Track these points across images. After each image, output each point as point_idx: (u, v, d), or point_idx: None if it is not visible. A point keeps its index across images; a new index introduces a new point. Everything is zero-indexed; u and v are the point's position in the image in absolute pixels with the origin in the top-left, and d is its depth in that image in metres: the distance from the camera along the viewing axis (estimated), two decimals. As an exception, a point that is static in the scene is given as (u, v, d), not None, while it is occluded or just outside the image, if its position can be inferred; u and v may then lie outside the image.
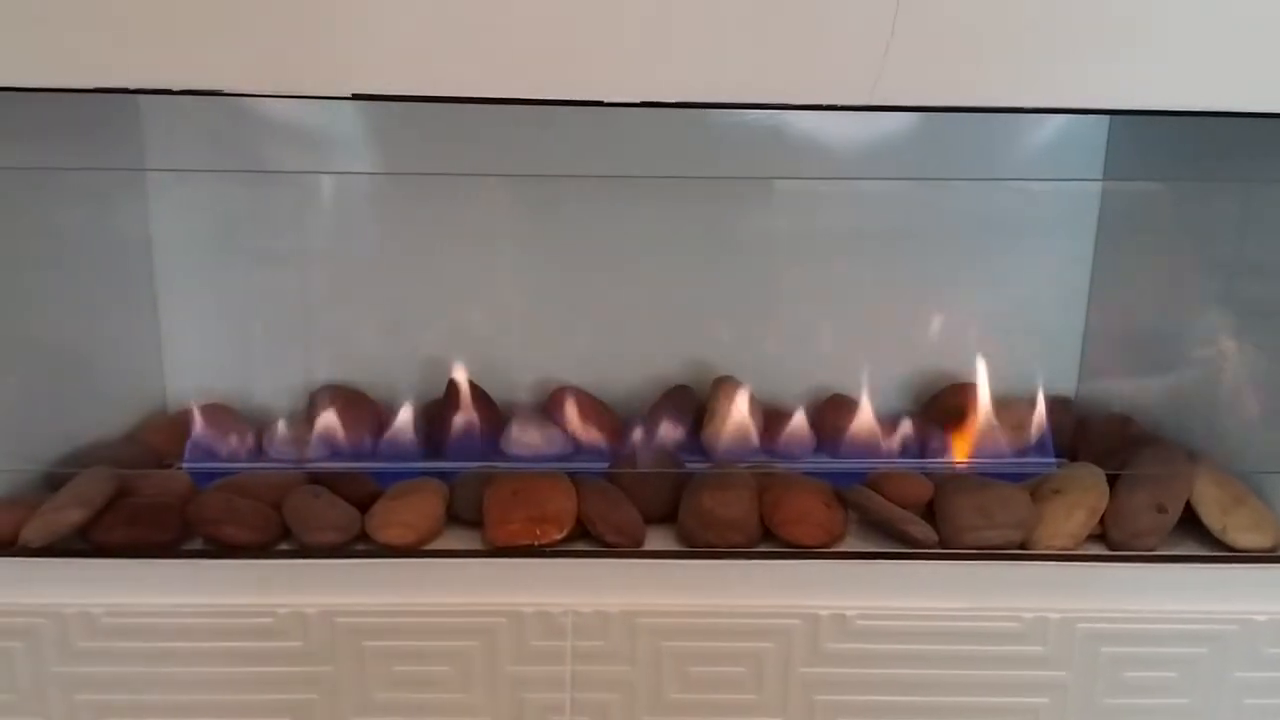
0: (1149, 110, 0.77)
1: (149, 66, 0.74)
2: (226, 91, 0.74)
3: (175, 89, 0.74)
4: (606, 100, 0.75)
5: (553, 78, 0.75)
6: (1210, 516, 0.90)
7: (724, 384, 1.07)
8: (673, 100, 0.75)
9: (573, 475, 0.94)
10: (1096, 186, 1.13)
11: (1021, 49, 0.75)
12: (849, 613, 0.84)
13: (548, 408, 1.06)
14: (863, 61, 0.75)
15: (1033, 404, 1.02)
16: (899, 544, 0.90)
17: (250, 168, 1.08)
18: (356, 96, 0.75)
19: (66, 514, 0.85)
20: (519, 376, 1.14)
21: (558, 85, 0.75)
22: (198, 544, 0.88)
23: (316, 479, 0.93)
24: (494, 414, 1.06)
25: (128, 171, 1.08)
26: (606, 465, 0.97)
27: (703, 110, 0.82)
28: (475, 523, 0.90)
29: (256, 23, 0.73)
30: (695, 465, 0.97)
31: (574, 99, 0.75)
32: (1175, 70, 0.76)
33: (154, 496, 0.90)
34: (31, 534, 0.84)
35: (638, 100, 0.75)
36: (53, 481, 0.92)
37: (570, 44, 0.74)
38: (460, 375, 1.07)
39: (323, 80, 0.75)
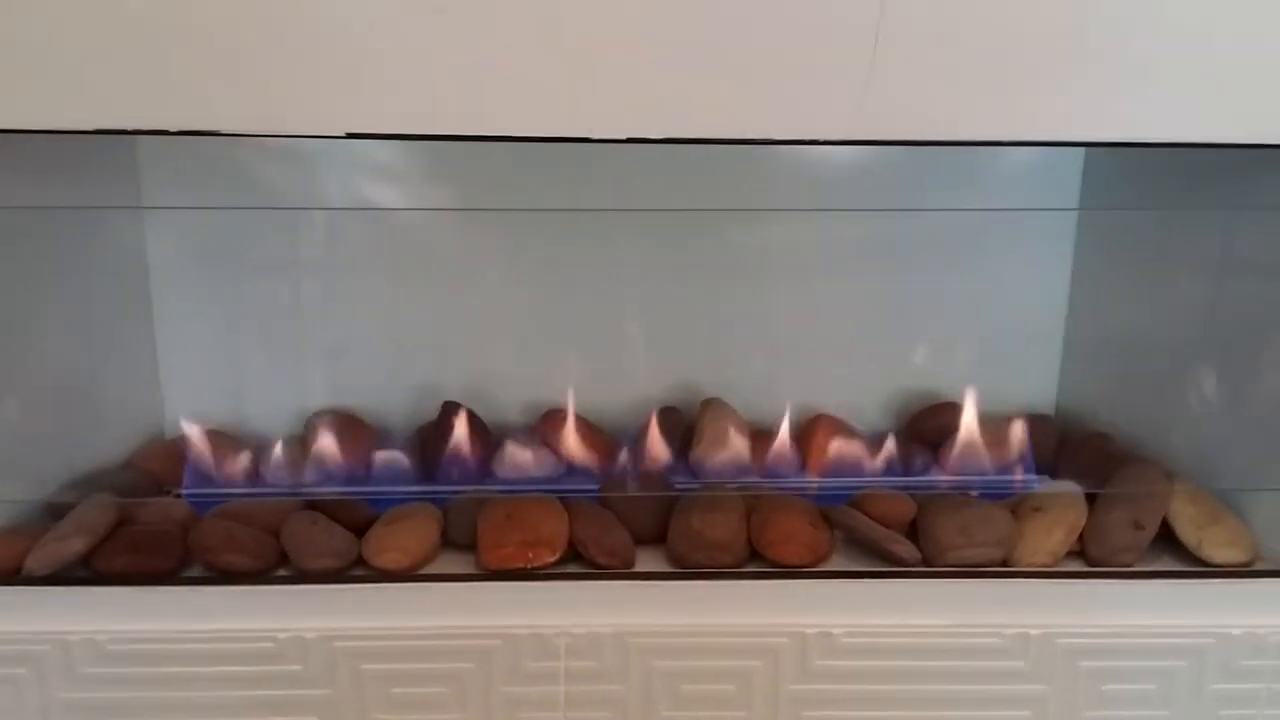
0: (1123, 143, 0.79)
1: (147, 107, 0.75)
2: (224, 132, 0.76)
3: (173, 130, 0.75)
4: (594, 137, 0.77)
5: (541, 115, 0.77)
6: (1186, 533, 0.92)
7: (711, 405, 1.09)
8: (658, 136, 0.77)
9: (564, 498, 0.95)
10: (1075, 190, 1.15)
11: (997, 84, 0.77)
12: (835, 630, 0.84)
13: (539, 429, 1.07)
14: (843, 97, 0.77)
15: (1013, 422, 1.04)
16: (883, 563, 0.91)
17: (246, 194, 1.10)
18: (351, 135, 0.76)
19: (70, 543, 0.86)
20: (511, 398, 1.16)
21: (546, 122, 0.77)
22: (198, 571, 0.89)
23: (313, 505, 0.94)
24: (487, 437, 1.07)
25: (125, 164, 1.09)
26: (597, 490, 0.98)
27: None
28: (469, 546, 0.92)
29: (252, 64, 0.75)
30: (682, 488, 0.99)
31: (563, 136, 0.77)
32: (1148, 104, 0.78)
33: (155, 524, 0.91)
34: (35, 563, 0.86)
35: (624, 136, 0.77)
36: (54, 510, 0.94)
37: (559, 83, 0.76)
38: (454, 399, 1.08)
39: (318, 119, 0.76)
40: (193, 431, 1.03)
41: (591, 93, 0.77)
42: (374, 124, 0.77)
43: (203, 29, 0.74)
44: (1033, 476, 1.02)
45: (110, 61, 0.74)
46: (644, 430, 1.08)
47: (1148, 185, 1.06)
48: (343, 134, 0.76)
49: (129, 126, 0.76)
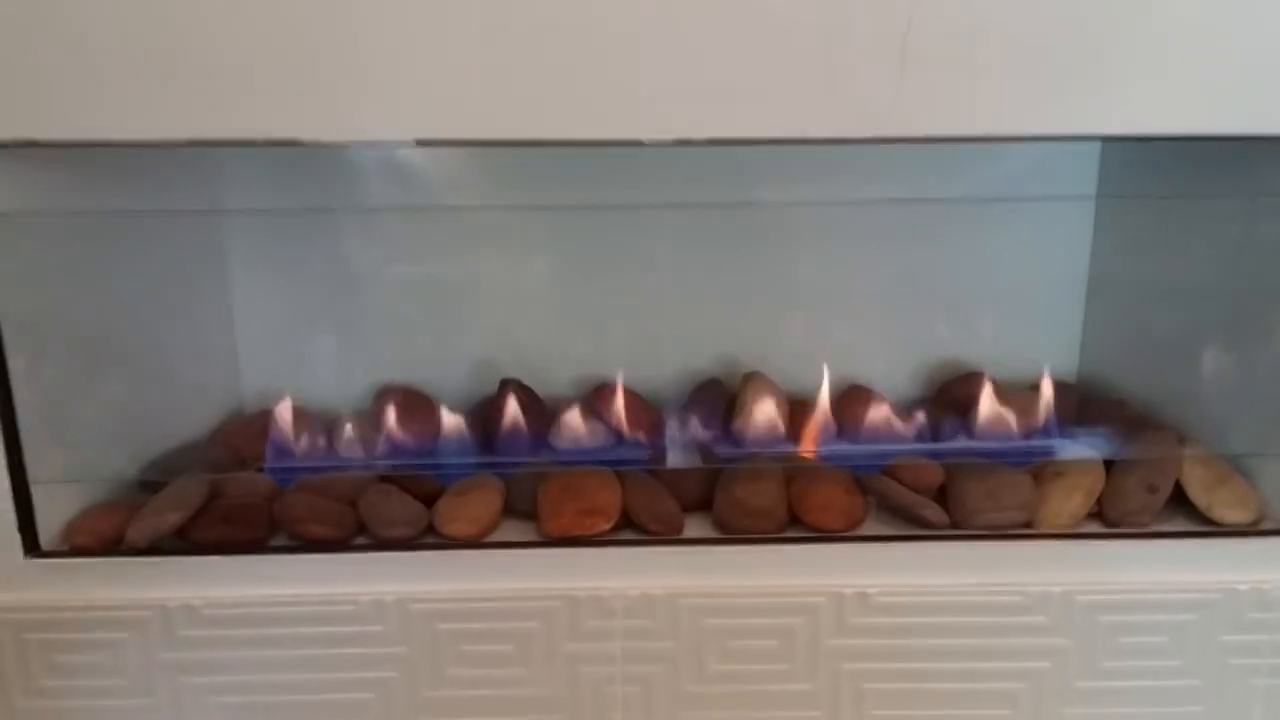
0: (1144, 136, 0.82)
1: (236, 119, 0.80)
2: (304, 141, 0.80)
3: (259, 140, 0.80)
4: (645, 139, 0.80)
5: (596, 120, 0.80)
6: (1197, 495, 0.95)
7: (752, 378, 1.11)
8: (702, 138, 0.80)
9: (616, 469, 0.98)
10: (1093, 171, 1.16)
11: (1024, 80, 0.80)
12: (870, 590, 0.89)
13: (592, 402, 1.09)
14: (876, 96, 0.80)
15: (1036, 391, 1.05)
16: (914, 527, 0.94)
17: (315, 186, 1.15)
18: (420, 142, 0.81)
19: (166, 517, 0.91)
20: (562, 374, 1.19)
21: (600, 127, 0.81)
22: (284, 540, 0.93)
23: (386, 477, 0.98)
24: (542, 411, 1.10)
25: (206, 186, 1.13)
26: (646, 462, 1.01)
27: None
28: (530, 515, 0.95)
29: (328, 80, 0.79)
30: (725, 460, 1.01)
31: (616, 139, 0.81)
32: (1170, 97, 0.81)
33: (243, 498, 0.95)
34: (136, 535, 0.90)
35: (671, 139, 0.80)
36: (150, 484, 0.98)
37: (611, 91, 0.80)
38: (510, 376, 1.12)
39: (390, 128, 0.81)
40: (273, 409, 1.06)
41: (640, 100, 0.80)
42: (441, 131, 0.81)
43: (281, 51, 0.79)
44: (1054, 441, 1.03)
45: (202, 80, 0.79)
46: (689, 401, 1.12)
47: (1166, 164, 1.07)
48: (413, 141, 0.81)
49: (219, 137, 0.80)
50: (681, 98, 0.81)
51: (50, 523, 0.92)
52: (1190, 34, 0.80)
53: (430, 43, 0.79)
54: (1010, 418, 1.04)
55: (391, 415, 1.04)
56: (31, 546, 0.91)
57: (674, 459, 1.02)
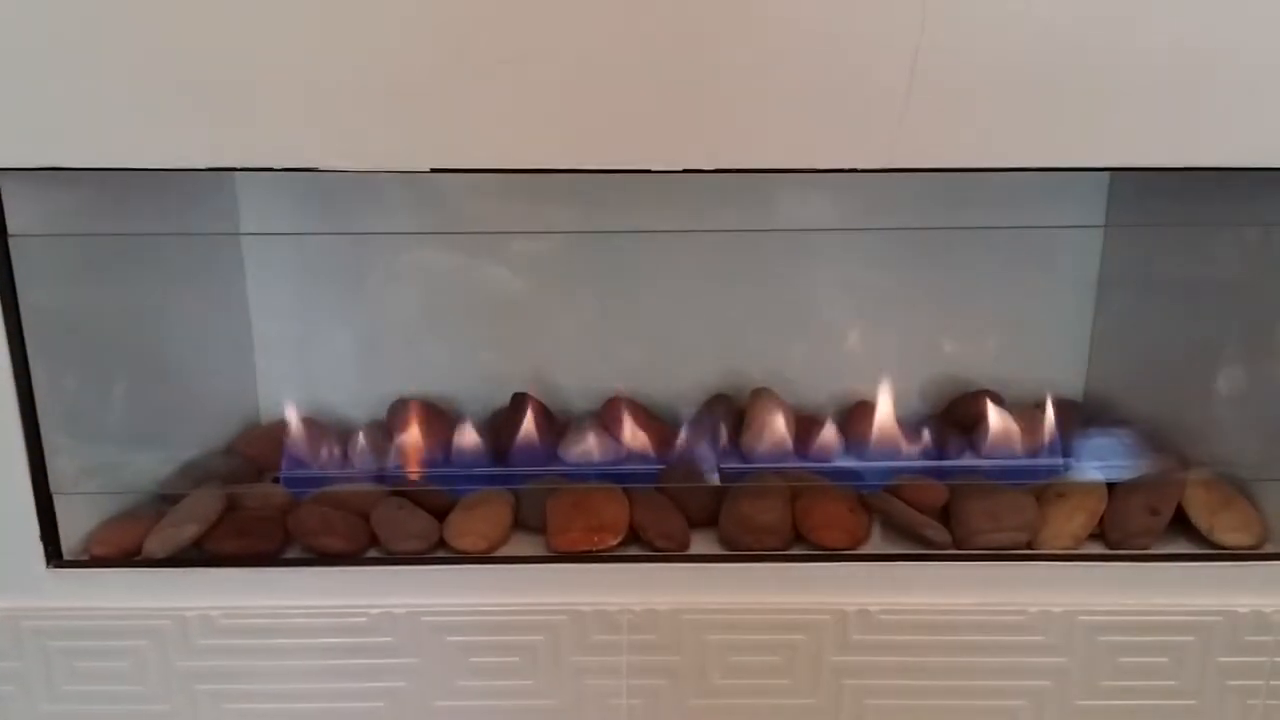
0: (1149, 168, 0.82)
1: (254, 147, 0.81)
2: (321, 169, 0.82)
3: (277, 167, 0.81)
4: (654, 169, 0.82)
5: (607, 150, 0.81)
6: (1199, 518, 0.95)
7: (760, 394, 1.12)
8: (710, 167, 0.82)
9: (625, 485, 0.99)
10: (1102, 199, 1.15)
11: (1028, 113, 0.80)
12: (873, 608, 0.90)
13: (602, 416, 1.10)
14: (881, 127, 0.80)
15: (1043, 410, 1.05)
16: (917, 545, 0.95)
17: (332, 205, 1.16)
18: (434, 170, 0.82)
19: (184, 529, 0.93)
20: (575, 387, 1.19)
21: (610, 157, 0.82)
22: (298, 552, 0.95)
23: (398, 491, 0.99)
24: (553, 425, 1.11)
25: (224, 187, 1.14)
26: (655, 479, 1.02)
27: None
28: (539, 530, 0.96)
29: (345, 110, 0.80)
30: (731, 478, 1.02)
31: (625, 168, 0.82)
32: (1168, 131, 0.81)
33: (258, 510, 0.97)
34: (154, 546, 0.92)
35: (680, 168, 0.82)
36: (169, 495, 1.00)
37: (621, 121, 0.81)
38: (523, 388, 1.13)
39: (405, 157, 0.82)
40: (289, 420, 1.08)
41: (650, 131, 0.81)
42: (454, 160, 0.82)
43: (299, 83, 0.80)
44: (1059, 461, 1.03)
45: (223, 110, 0.80)
46: (697, 416, 1.11)
47: (1175, 191, 1.06)
48: (427, 169, 0.82)
49: (238, 165, 0.82)
50: (690, 129, 0.81)
51: (72, 533, 0.94)
52: (1192, 68, 0.80)
53: (445, 76, 0.80)
54: (1015, 438, 1.04)
55: (404, 429, 1.06)
56: (54, 556, 0.92)
57: (682, 475, 1.03)
